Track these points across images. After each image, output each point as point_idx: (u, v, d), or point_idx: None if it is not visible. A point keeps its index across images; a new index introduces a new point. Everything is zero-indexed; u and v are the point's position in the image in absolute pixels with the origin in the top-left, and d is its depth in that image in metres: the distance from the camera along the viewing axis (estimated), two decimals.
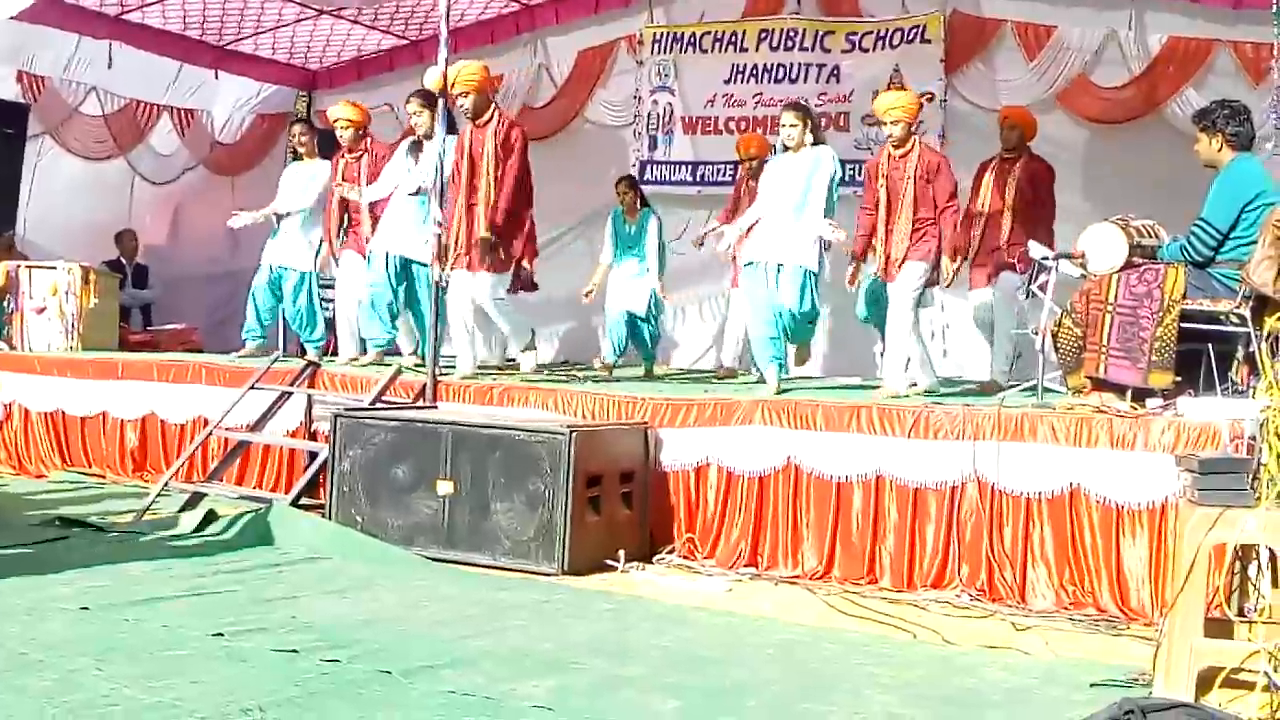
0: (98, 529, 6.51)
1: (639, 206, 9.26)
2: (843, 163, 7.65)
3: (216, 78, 11.87)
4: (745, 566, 6.18)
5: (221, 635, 4.44)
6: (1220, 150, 5.92)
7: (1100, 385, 5.90)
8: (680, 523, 6.45)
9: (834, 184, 7.22)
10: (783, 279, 7.10)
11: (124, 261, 11.42)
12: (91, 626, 4.52)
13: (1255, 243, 5.44)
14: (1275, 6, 6.10)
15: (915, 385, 7.38)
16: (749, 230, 7.58)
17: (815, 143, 7.27)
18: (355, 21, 11.46)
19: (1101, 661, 4.68)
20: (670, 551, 6.37)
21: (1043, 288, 6.61)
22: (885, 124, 7.36)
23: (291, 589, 5.33)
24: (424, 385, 7.22)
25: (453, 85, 7.62)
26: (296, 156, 9.39)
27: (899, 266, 7.17)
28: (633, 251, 9.27)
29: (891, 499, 5.97)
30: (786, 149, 7.31)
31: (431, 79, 7.67)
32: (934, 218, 7.19)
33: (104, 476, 8.33)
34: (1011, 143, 8.15)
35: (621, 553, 6.09)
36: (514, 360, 8.56)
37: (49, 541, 6.13)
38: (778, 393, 6.88)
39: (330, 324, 9.41)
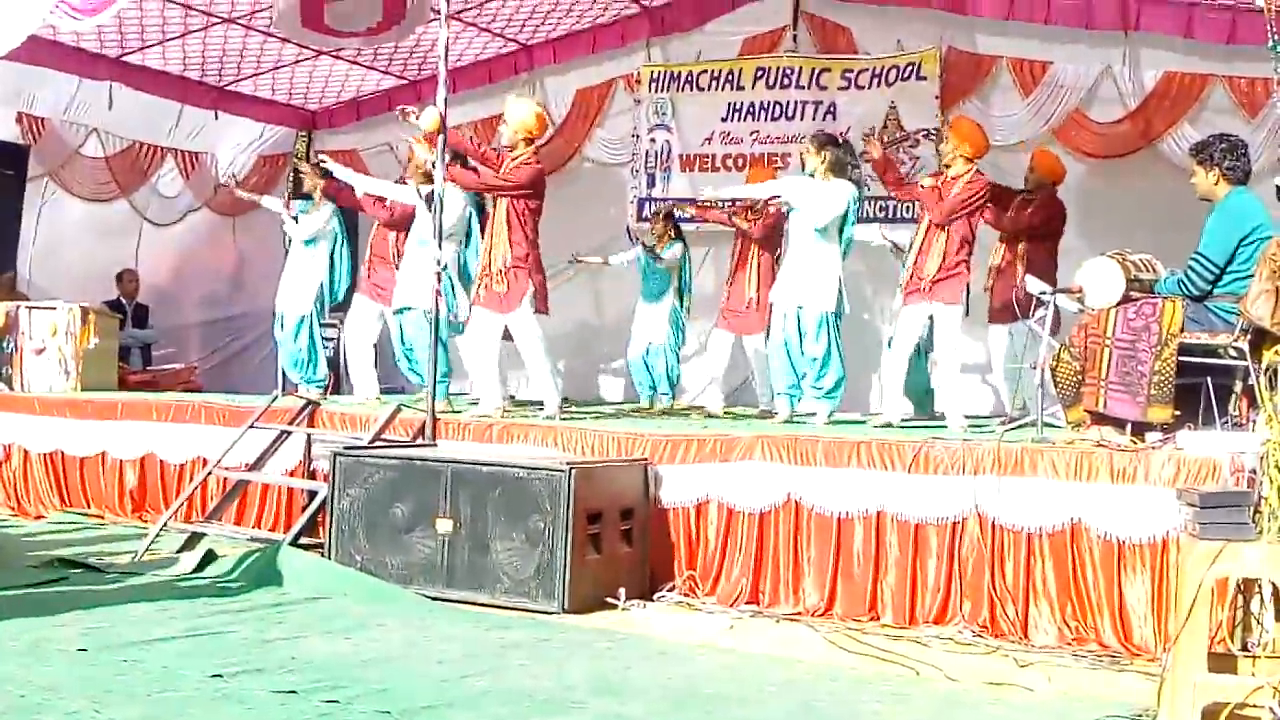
0: (96, 570, 6.49)
1: (669, 238, 9.49)
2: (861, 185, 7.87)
3: (216, 118, 11.93)
4: (746, 604, 6.15)
5: (220, 676, 4.42)
6: (1217, 184, 5.95)
7: (1099, 419, 5.90)
8: (681, 560, 6.42)
9: (845, 221, 7.44)
10: (804, 324, 7.57)
11: (124, 301, 11.45)
12: (90, 668, 4.50)
13: (1252, 276, 5.45)
14: (1271, 41, 6.14)
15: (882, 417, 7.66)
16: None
17: (835, 175, 7.52)
18: (354, 62, 11.53)
19: (1105, 698, 4.66)
20: (671, 589, 6.34)
21: (1040, 322, 6.63)
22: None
23: (291, 629, 5.30)
24: (423, 423, 7.21)
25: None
26: (306, 196, 9.47)
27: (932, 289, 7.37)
28: (659, 286, 9.47)
29: (893, 535, 5.95)
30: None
31: (427, 119, 7.74)
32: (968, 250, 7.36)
33: (103, 517, 8.31)
34: (1030, 183, 8.41)
35: (622, 590, 6.06)
36: (523, 400, 8.55)
37: (48, 583, 6.11)
38: (786, 421, 7.05)
39: (330, 363, 9.50)
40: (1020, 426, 6.46)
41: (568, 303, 11.32)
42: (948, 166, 7.60)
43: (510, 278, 7.67)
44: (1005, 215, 8.33)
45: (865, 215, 8.83)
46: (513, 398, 8.76)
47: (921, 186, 7.81)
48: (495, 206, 7.80)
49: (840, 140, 7.98)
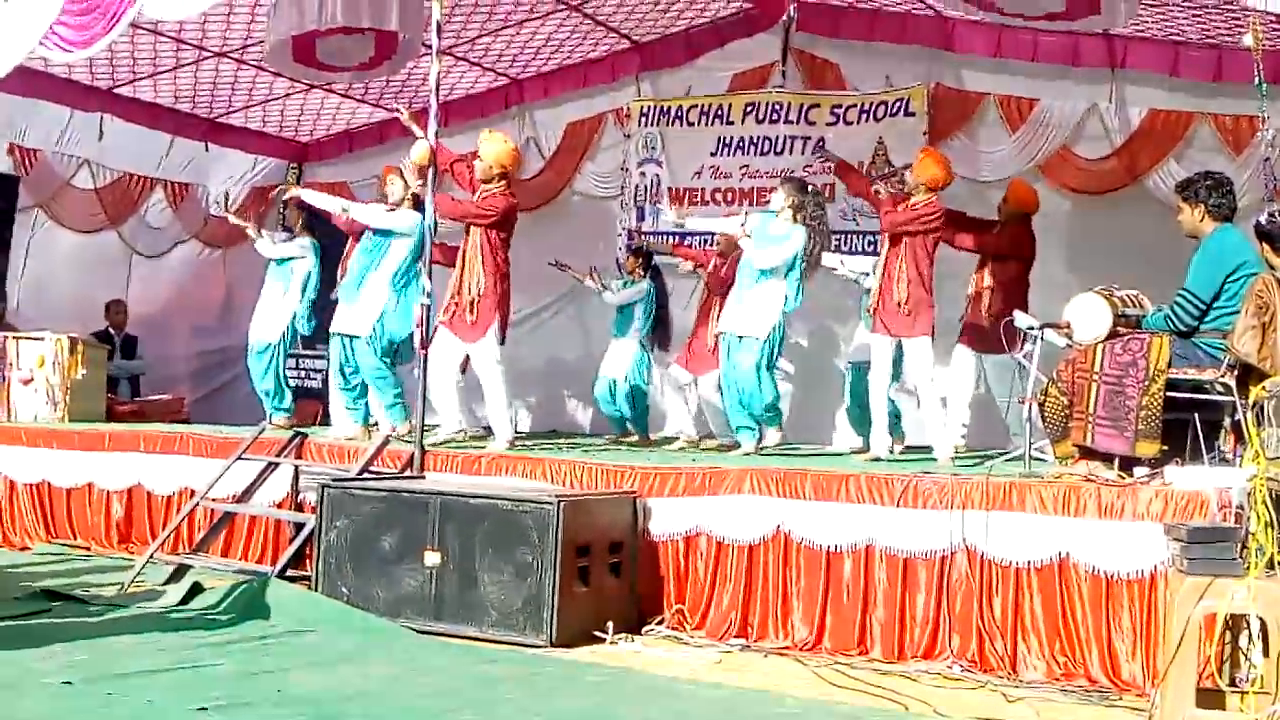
0: (82, 601, 6.45)
1: (639, 274, 9.49)
2: (830, 234, 7.92)
3: (207, 150, 11.96)
4: (735, 637, 6.14)
5: (206, 710, 4.39)
6: (1202, 221, 5.99)
7: (1088, 454, 5.91)
8: (669, 593, 6.41)
9: (795, 265, 7.54)
10: (740, 352, 7.73)
11: (113, 332, 11.44)
12: (74, 701, 4.47)
13: (1238, 312, 5.49)
14: (1257, 79, 6.21)
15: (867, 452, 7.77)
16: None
17: (797, 220, 7.65)
18: (345, 95, 11.56)
19: None
20: (659, 622, 6.32)
21: (1029, 357, 6.66)
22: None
23: (278, 662, 5.28)
24: (411, 455, 7.20)
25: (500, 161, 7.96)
26: (288, 229, 9.50)
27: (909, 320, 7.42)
28: (624, 322, 9.49)
29: (882, 568, 5.95)
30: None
31: (418, 153, 7.76)
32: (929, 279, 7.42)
33: (89, 548, 8.26)
34: (1002, 215, 8.47)
35: (610, 624, 6.04)
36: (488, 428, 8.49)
37: (32, 614, 6.07)
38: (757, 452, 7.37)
39: (312, 392, 9.50)
40: (1009, 460, 6.48)
41: (555, 335, 11.40)
42: (909, 195, 7.66)
43: (479, 308, 7.77)
44: (975, 238, 8.39)
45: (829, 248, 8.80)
46: (487, 427, 8.69)
47: (880, 194, 7.92)
48: (469, 235, 7.92)
49: (809, 188, 8.07)
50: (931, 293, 7.47)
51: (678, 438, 9.19)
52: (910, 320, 7.41)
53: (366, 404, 8.39)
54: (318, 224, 9.30)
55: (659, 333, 9.58)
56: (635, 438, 9.48)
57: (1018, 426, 7.64)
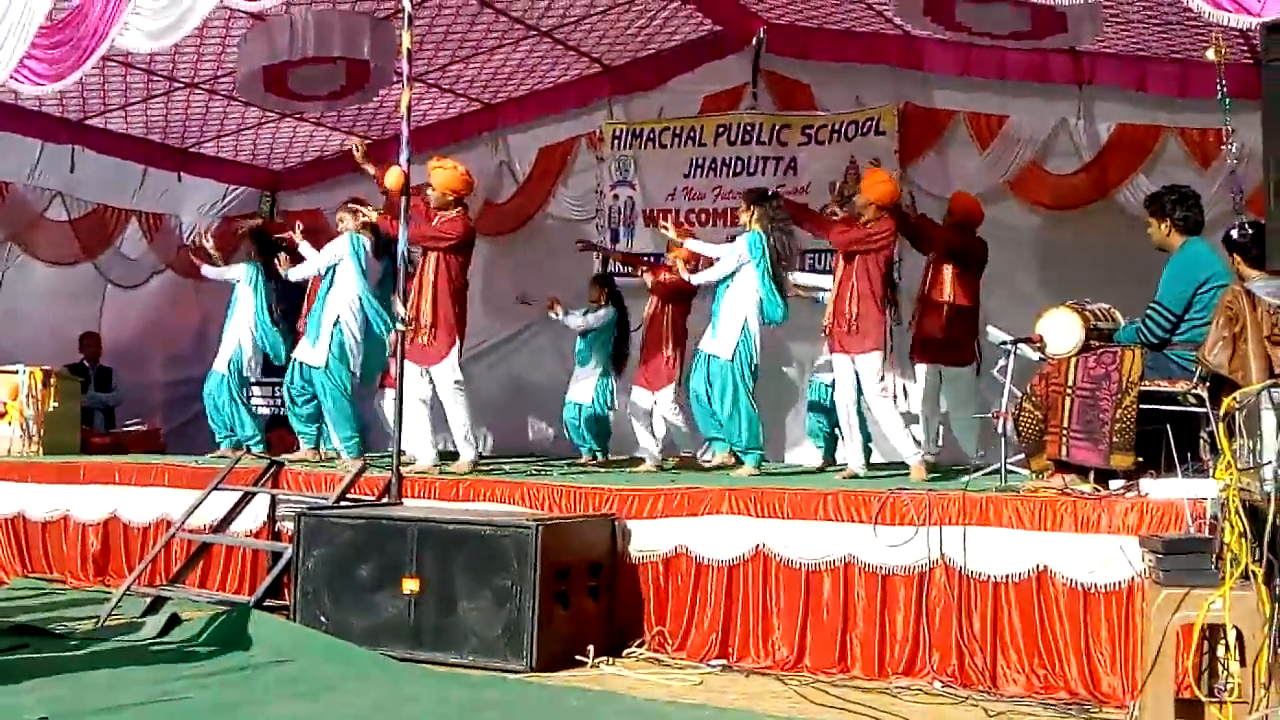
0: (59, 636, 6.40)
1: (603, 302, 9.49)
2: (801, 252, 7.94)
3: (180, 180, 11.94)
4: (716, 658, 6.13)
5: None
6: (1170, 235, 6.05)
7: (1063, 467, 5.94)
8: (650, 615, 6.40)
9: (761, 277, 7.57)
10: (711, 373, 7.85)
11: (87, 364, 11.38)
12: None
13: (1209, 324, 5.53)
14: (1220, 93, 6.26)
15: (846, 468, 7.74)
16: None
17: (760, 227, 7.73)
18: (317, 123, 11.56)
19: None
20: (640, 644, 6.31)
21: (1002, 371, 6.69)
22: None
23: (256, 693, 5.25)
24: (388, 482, 7.18)
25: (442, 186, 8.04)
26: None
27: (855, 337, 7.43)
28: (585, 351, 9.52)
29: (861, 585, 5.95)
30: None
31: (391, 178, 7.80)
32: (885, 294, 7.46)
33: (65, 582, 8.20)
34: (945, 224, 8.47)
35: (590, 647, 6.03)
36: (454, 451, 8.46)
37: (8, 650, 6.02)
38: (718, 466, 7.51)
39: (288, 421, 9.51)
40: (985, 475, 6.50)
41: (530, 360, 11.41)
42: (859, 215, 7.66)
43: (436, 332, 7.84)
44: (922, 239, 8.37)
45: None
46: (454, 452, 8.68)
47: (834, 216, 7.99)
48: (425, 259, 7.99)
49: (769, 195, 8.12)
50: (883, 309, 7.48)
51: (644, 459, 9.17)
52: (860, 337, 7.41)
53: (319, 427, 8.45)
54: (270, 250, 9.34)
55: (617, 359, 9.61)
56: (597, 460, 9.47)
57: (971, 437, 7.70)
